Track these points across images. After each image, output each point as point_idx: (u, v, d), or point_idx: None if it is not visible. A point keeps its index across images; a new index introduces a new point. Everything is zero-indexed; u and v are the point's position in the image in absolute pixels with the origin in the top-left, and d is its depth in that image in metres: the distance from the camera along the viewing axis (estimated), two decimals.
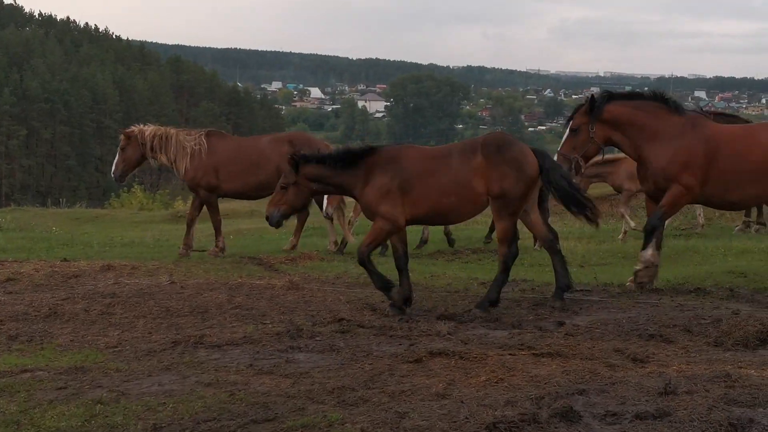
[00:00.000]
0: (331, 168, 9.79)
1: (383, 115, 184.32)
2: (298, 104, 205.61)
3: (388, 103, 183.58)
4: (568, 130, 10.84)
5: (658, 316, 9.52)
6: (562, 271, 10.15)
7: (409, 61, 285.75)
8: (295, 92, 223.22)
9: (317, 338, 8.73)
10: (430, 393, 6.87)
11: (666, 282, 11.58)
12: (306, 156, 10.00)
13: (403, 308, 9.79)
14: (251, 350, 8.36)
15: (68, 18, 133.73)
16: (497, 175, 9.50)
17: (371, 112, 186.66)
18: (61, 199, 51.75)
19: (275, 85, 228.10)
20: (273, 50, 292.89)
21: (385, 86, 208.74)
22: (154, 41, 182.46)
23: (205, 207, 14.31)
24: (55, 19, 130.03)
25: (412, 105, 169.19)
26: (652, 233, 10.83)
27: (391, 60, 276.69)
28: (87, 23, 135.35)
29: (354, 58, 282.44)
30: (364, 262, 9.84)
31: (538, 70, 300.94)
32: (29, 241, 15.66)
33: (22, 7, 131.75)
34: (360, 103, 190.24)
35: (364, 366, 7.72)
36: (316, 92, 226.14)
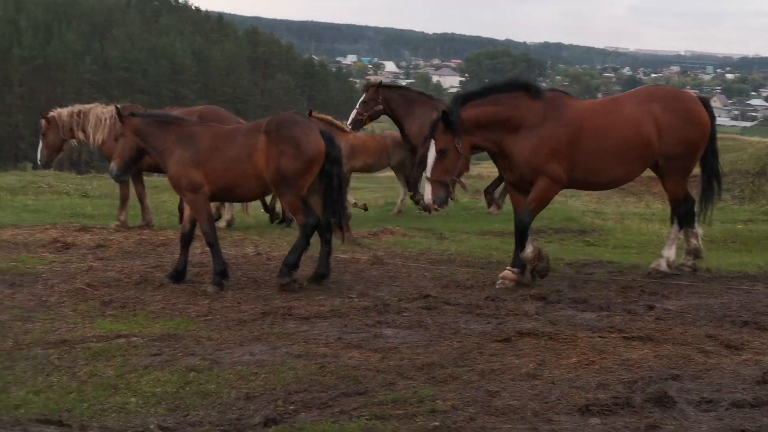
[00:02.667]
0: (149, 129, 10.03)
1: (457, 91, 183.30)
2: (372, 78, 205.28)
3: (463, 79, 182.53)
4: (433, 153, 9.65)
5: (751, 303, 9.37)
6: (324, 260, 10.11)
7: (485, 36, 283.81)
8: (370, 66, 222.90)
9: (404, 314, 8.76)
10: (520, 373, 6.87)
11: (758, 268, 11.36)
12: (132, 112, 10.32)
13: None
14: (339, 323, 8.44)
15: None
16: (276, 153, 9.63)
17: (445, 87, 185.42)
18: None
19: (350, 59, 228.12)
20: (349, 23, 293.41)
21: (460, 61, 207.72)
22: (231, 13, 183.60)
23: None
24: None
25: (487, 81, 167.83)
26: (525, 232, 10.09)
27: (467, 35, 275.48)
28: None
29: (430, 33, 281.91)
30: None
31: (617, 47, 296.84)
32: (115, 208, 15.90)
33: None
34: (434, 78, 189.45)
35: (452, 343, 7.74)
36: (390, 66, 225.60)
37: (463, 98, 9.88)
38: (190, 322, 8.49)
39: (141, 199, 14.41)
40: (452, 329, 8.20)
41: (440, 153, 9.57)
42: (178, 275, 10.10)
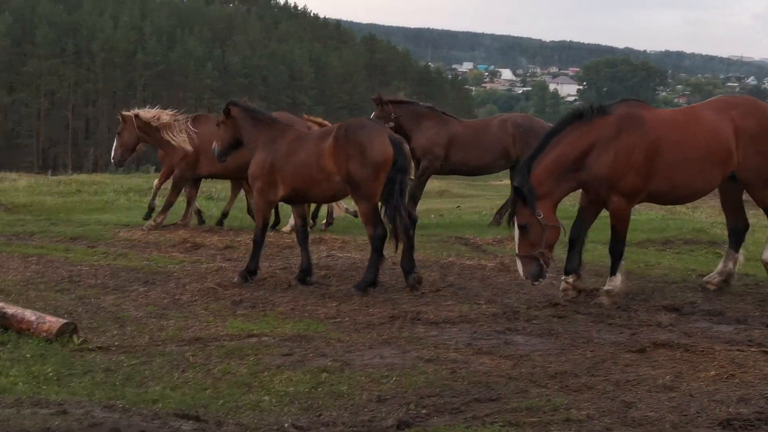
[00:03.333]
0: (244, 122, 10.55)
1: (575, 99, 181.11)
2: (488, 85, 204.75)
3: (581, 87, 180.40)
4: (517, 230, 9.30)
5: None
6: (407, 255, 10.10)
7: (603, 44, 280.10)
8: (486, 73, 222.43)
9: (534, 321, 8.67)
10: (656, 384, 6.71)
11: None
12: (234, 102, 10.85)
13: None
14: (468, 329, 8.41)
15: None
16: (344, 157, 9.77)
17: (562, 95, 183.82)
18: None
19: (466, 66, 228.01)
20: (465, 31, 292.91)
21: (577, 69, 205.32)
22: (349, 20, 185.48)
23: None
24: None
25: (605, 89, 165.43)
26: (619, 257, 9.67)
27: (585, 43, 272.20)
28: (286, 1, 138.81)
29: (547, 40, 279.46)
30: None
31: (741, 56, 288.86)
32: (240, 210, 16.20)
33: None
34: (551, 86, 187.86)
35: (585, 353, 7.62)
36: (507, 74, 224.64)
37: (527, 164, 9.35)
38: (319, 324, 8.58)
39: (190, 201, 14.82)
40: (584, 338, 8.08)
41: (521, 229, 9.20)
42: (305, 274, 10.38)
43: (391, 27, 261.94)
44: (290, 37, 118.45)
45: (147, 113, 14.26)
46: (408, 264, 10.06)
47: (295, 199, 10.47)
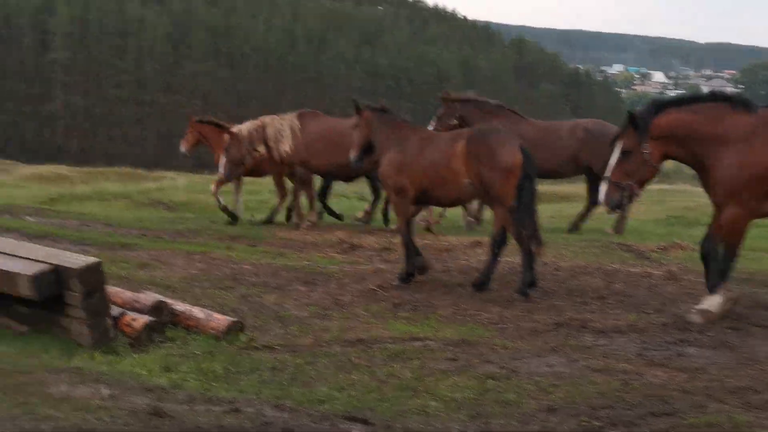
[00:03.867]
0: (377, 124, 10.68)
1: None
2: (638, 88, 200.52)
3: (737, 90, 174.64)
4: (617, 154, 8.84)
5: None
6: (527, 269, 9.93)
7: (762, 46, 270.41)
8: (637, 76, 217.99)
9: (708, 333, 8.31)
10: None
11: None
12: (368, 105, 10.97)
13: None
14: (638, 339, 8.12)
15: None
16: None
17: None
18: None
19: (616, 68, 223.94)
20: (615, 33, 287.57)
21: (734, 72, 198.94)
22: (498, 22, 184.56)
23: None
24: (406, 0, 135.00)
25: (763, 93, 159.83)
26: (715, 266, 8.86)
27: (743, 45, 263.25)
28: (436, 4, 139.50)
29: (701, 42, 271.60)
30: None
31: None
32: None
33: None
34: (705, 89, 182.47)
35: (765, 368, 7.25)
36: (658, 76, 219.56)
37: (659, 105, 8.96)
38: (482, 329, 8.46)
39: (297, 197, 15.00)
40: (764, 353, 7.70)
41: (623, 154, 8.81)
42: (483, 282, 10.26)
43: (541, 29, 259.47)
44: (438, 39, 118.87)
45: (246, 128, 14.52)
46: (528, 276, 9.94)
47: (422, 199, 10.53)
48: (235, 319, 8.26)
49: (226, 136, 14.33)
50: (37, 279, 7.83)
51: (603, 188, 8.96)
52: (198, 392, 6.48)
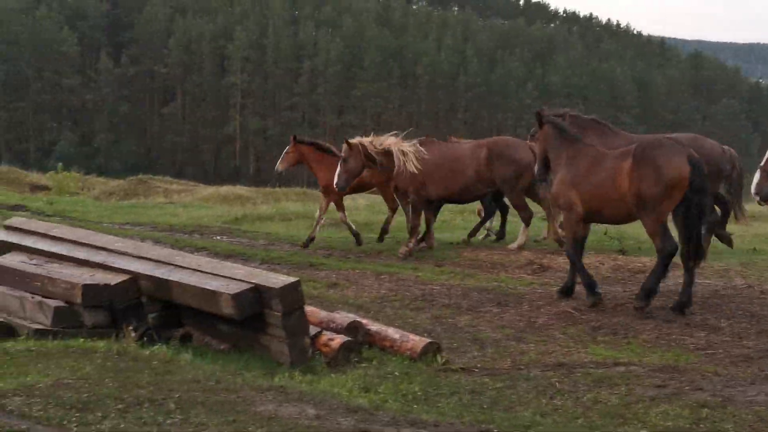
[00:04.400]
0: (553, 139, 10.51)
1: None
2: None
3: None
4: None
5: None
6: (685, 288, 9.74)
7: None
8: None
9: None
10: None
11: None
12: (550, 116, 10.78)
13: None
14: None
15: (590, 14, 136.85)
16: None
17: None
18: None
19: None
20: None
21: None
22: (674, 37, 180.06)
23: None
24: (578, 16, 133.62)
25: None
26: None
27: None
28: (609, 19, 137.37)
29: None
30: None
31: None
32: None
33: (548, 4, 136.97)
34: None
35: None
36: None
37: None
38: (689, 354, 8.12)
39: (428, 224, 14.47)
40: None
41: None
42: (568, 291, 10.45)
43: (719, 43, 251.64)
44: (612, 55, 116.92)
45: (370, 140, 14.15)
46: (683, 297, 9.65)
47: (592, 218, 10.31)
48: (431, 341, 8.19)
49: (345, 146, 14.18)
50: (238, 298, 7.98)
51: (756, 178, 8.72)
52: (400, 414, 6.41)
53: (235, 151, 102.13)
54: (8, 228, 10.84)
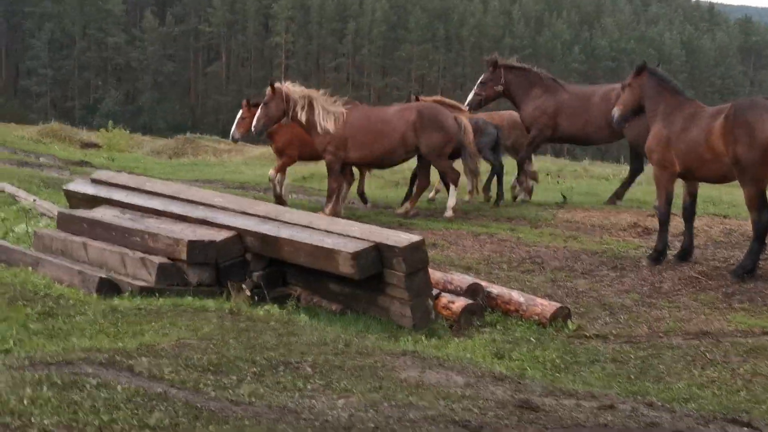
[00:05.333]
0: (651, 91, 10.02)
1: None
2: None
3: None
4: None
5: None
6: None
7: None
8: None
9: None
10: None
11: None
12: (647, 67, 10.13)
13: None
14: None
15: None
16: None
17: None
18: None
19: None
20: None
21: None
22: (722, 2, 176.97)
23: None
24: None
25: None
26: None
27: None
28: None
29: None
30: None
31: None
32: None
33: None
34: None
35: None
36: None
37: None
38: None
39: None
40: None
41: None
42: (659, 255, 9.88)
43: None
44: (660, 19, 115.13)
45: (297, 89, 13.20)
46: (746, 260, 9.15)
47: (687, 176, 9.77)
48: (560, 305, 7.73)
49: (269, 89, 13.13)
50: (359, 257, 7.53)
51: None
52: (550, 384, 5.95)
53: None
54: (96, 181, 10.47)
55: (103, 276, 8.13)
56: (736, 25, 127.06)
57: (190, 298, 7.71)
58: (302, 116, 12.93)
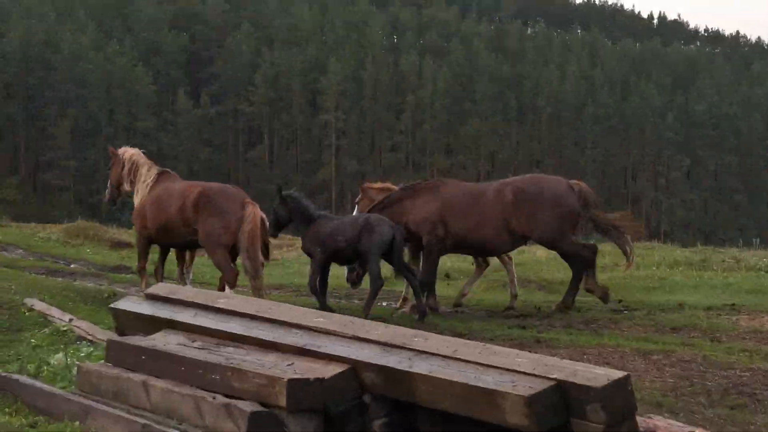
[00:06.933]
0: None
1: None
2: None
3: None
4: None
5: None
6: None
7: None
8: None
9: None
10: None
11: None
12: None
13: None
14: None
15: (737, 32, 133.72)
16: None
17: None
18: (752, 240, 49.74)
19: None
20: None
21: None
22: None
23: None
24: (722, 35, 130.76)
25: None
26: None
27: None
28: (759, 37, 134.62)
29: None
30: None
31: None
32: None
33: (687, 23, 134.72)
34: None
35: None
36: None
37: None
38: None
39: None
40: None
41: None
42: None
43: None
44: (766, 78, 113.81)
45: (129, 152, 13.81)
46: None
47: None
48: None
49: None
50: (536, 402, 6.08)
51: None
52: None
53: (330, 199, 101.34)
54: (153, 297, 9.22)
55: None
56: None
57: None
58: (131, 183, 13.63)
